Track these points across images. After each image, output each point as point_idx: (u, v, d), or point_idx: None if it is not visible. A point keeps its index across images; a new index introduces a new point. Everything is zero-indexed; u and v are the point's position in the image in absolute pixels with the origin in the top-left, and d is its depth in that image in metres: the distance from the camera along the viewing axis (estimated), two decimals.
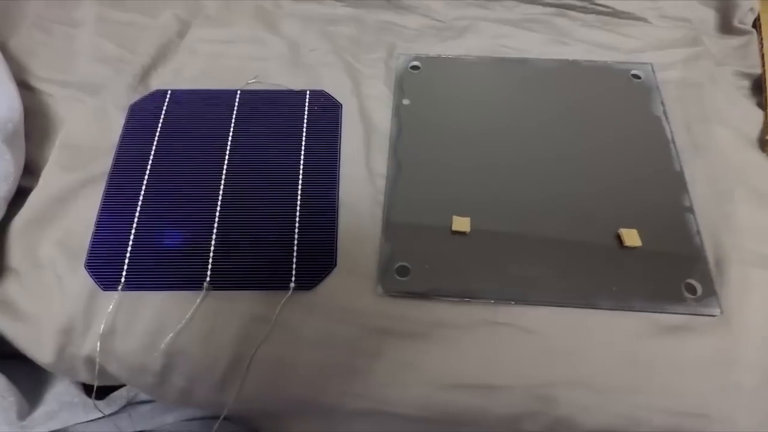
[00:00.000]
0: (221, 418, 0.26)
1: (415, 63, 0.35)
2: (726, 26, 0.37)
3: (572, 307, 0.26)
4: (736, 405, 0.24)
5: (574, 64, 0.35)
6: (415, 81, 0.34)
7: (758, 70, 0.35)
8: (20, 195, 0.29)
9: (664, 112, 0.32)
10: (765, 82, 0.33)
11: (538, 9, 0.38)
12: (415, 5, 0.38)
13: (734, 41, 0.37)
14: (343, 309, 0.26)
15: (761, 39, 0.36)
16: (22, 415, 0.26)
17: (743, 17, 0.36)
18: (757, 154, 0.31)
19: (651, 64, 0.35)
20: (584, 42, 0.36)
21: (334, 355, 0.26)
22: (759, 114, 0.33)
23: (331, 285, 0.27)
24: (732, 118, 0.32)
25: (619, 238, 0.28)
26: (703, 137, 0.31)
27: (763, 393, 0.24)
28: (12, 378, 0.26)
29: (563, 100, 0.33)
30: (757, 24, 0.36)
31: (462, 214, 0.28)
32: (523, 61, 0.35)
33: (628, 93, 0.34)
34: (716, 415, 0.24)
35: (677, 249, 0.27)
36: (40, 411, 0.27)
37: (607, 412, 0.25)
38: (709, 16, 0.38)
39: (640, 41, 0.36)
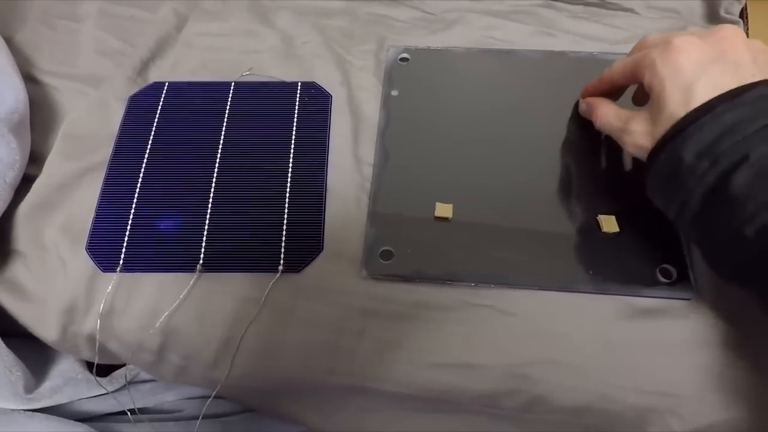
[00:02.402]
0: (212, 395, 0.28)
1: (405, 55, 0.36)
2: (713, 16, 0.37)
3: (550, 290, 0.27)
4: (706, 386, 0.25)
5: (560, 55, 0.36)
6: (403, 72, 0.35)
7: None
8: (25, 182, 0.30)
9: None
10: None
11: (526, 1, 0.39)
12: None
13: None
14: (329, 291, 0.28)
15: (747, 29, 0.36)
16: (29, 388, 0.28)
17: (729, 7, 0.36)
18: None
19: None
20: (571, 33, 0.37)
21: (320, 334, 0.27)
22: None
23: (317, 268, 0.28)
24: None
25: (597, 223, 0.28)
26: None
27: (731, 374, 0.25)
28: (19, 354, 0.28)
29: (549, 91, 0.34)
30: (744, 14, 0.37)
31: (445, 201, 0.29)
32: (510, 53, 0.36)
33: None
34: (686, 395, 0.25)
35: (654, 235, 0.28)
36: (46, 386, 0.29)
37: (582, 390, 0.26)
38: (696, 6, 0.38)
39: (627, 32, 0.37)
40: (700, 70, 0.22)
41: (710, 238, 0.23)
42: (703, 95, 0.22)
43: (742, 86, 0.22)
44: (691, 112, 0.22)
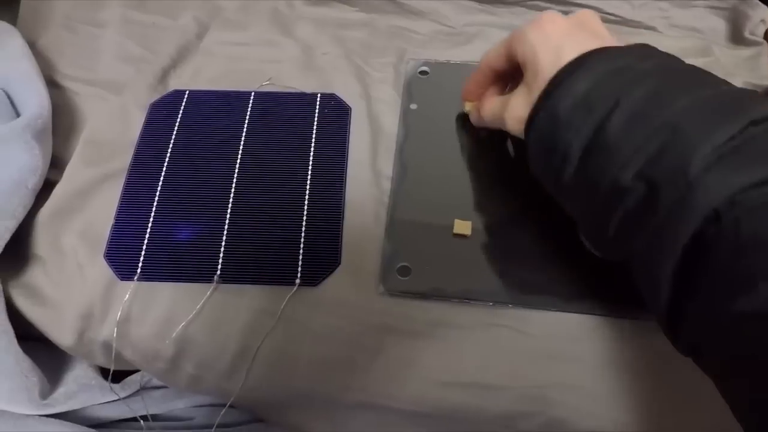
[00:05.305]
0: (227, 405, 0.28)
1: (424, 68, 0.36)
2: (737, 37, 0.37)
3: (568, 312, 0.27)
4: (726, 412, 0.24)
5: None
6: (423, 86, 0.35)
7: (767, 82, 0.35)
8: (46, 188, 0.31)
9: None
10: None
11: None
12: (426, 11, 0.39)
13: (745, 52, 0.37)
14: (345, 306, 0.27)
15: None
16: (44, 394, 0.28)
17: (754, 28, 0.36)
18: None
19: None
20: None
21: (335, 349, 0.27)
22: None
23: (335, 282, 0.28)
24: None
25: None
26: None
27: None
28: (35, 359, 0.28)
29: None
30: None
31: (464, 218, 0.29)
32: None
33: None
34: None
35: None
36: (60, 391, 0.29)
37: (599, 416, 0.25)
38: (719, 26, 0.37)
39: None
40: (566, 34, 0.24)
41: (589, 198, 0.22)
42: (569, 54, 0.22)
43: (609, 46, 0.23)
44: (564, 66, 0.22)
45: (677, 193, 0.18)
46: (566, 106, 0.21)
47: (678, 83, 0.21)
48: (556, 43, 0.23)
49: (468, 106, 0.32)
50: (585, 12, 0.25)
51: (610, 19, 0.38)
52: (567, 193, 0.24)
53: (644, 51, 0.23)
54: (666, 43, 0.37)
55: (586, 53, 0.22)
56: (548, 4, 0.38)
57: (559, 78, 0.22)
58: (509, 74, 0.28)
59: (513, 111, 0.25)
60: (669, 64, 0.22)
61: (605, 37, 0.24)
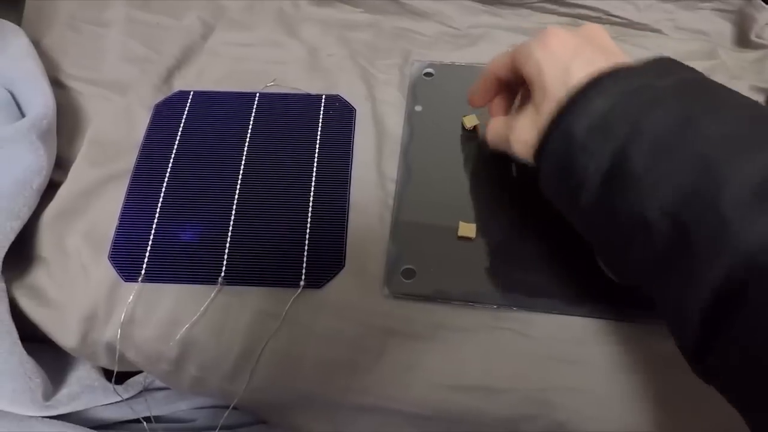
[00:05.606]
0: (230, 407, 0.28)
1: (429, 70, 0.36)
2: (743, 40, 0.37)
3: (572, 315, 0.27)
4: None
5: None
6: (428, 88, 0.35)
7: None
8: (50, 188, 0.31)
9: None
10: None
11: (553, 18, 0.38)
12: (431, 12, 0.39)
13: (750, 55, 0.36)
14: (349, 308, 0.27)
15: None
16: (48, 395, 0.28)
17: (760, 31, 0.36)
18: None
19: None
20: None
21: (339, 352, 0.27)
22: None
23: (339, 284, 0.28)
24: None
25: None
26: None
27: None
28: (38, 360, 0.28)
29: None
30: None
31: (468, 220, 0.29)
32: None
33: None
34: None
35: None
36: (64, 392, 0.29)
37: (603, 419, 0.25)
38: (725, 29, 0.37)
39: (655, 53, 0.36)
40: (573, 51, 0.23)
41: (609, 226, 0.21)
42: (578, 73, 0.22)
43: (623, 64, 0.22)
44: (577, 87, 0.21)
45: (708, 232, 0.17)
46: (581, 129, 0.20)
47: (701, 104, 0.19)
48: (563, 61, 0.22)
49: (467, 122, 0.32)
50: (591, 26, 0.24)
51: (615, 21, 0.38)
52: (583, 218, 0.23)
53: (662, 66, 0.22)
54: (672, 45, 0.37)
55: (602, 73, 0.21)
56: (554, 6, 0.38)
57: (572, 99, 0.21)
58: (516, 83, 0.27)
59: (520, 133, 0.24)
60: (689, 80, 0.21)
61: (614, 53, 0.23)
